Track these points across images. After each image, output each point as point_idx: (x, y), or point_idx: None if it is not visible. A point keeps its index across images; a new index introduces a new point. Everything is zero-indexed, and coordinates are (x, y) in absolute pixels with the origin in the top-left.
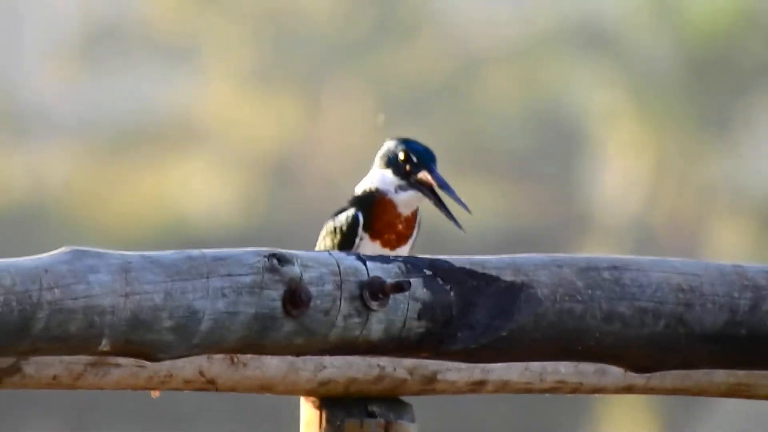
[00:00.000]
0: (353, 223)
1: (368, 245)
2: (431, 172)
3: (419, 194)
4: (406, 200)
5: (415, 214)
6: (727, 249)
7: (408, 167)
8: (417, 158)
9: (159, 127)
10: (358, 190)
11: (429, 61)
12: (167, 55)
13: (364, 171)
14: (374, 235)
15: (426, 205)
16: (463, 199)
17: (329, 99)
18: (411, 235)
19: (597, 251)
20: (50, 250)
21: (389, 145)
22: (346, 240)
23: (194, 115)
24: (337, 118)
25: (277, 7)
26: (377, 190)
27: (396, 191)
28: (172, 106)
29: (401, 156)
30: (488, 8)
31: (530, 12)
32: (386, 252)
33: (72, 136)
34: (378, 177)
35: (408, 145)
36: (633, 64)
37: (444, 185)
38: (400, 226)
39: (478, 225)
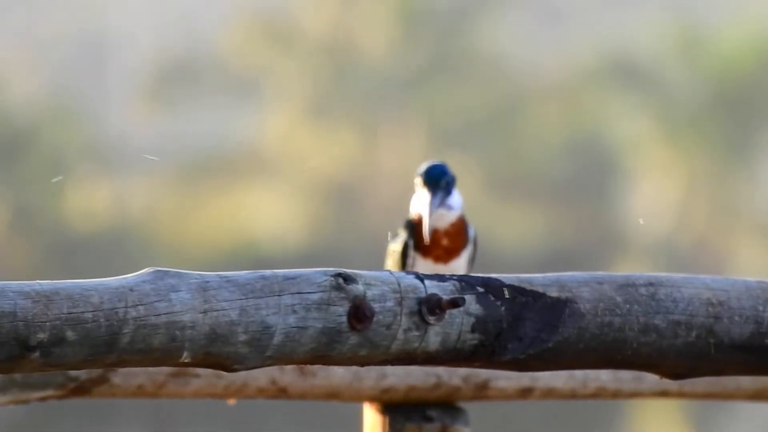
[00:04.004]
0: (403, 247)
1: (421, 263)
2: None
3: (438, 211)
4: (434, 217)
5: (457, 228)
6: (751, 266)
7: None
8: (422, 181)
9: (230, 156)
10: (410, 211)
11: (477, 94)
12: (236, 89)
13: None
14: (424, 253)
15: (481, 231)
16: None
17: (385, 128)
18: (460, 248)
19: (633, 269)
20: (133, 272)
21: (419, 169)
22: (401, 261)
23: (262, 145)
24: (393, 146)
25: (337, 45)
26: (416, 212)
27: None
28: (241, 137)
29: (418, 181)
30: (533, 46)
31: (571, 50)
32: (441, 266)
33: (151, 166)
34: (416, 199)
35: (424, 170)
36: (665, 96)
37: (425, 215)
38: (444, 241)
39: (523, 246)
